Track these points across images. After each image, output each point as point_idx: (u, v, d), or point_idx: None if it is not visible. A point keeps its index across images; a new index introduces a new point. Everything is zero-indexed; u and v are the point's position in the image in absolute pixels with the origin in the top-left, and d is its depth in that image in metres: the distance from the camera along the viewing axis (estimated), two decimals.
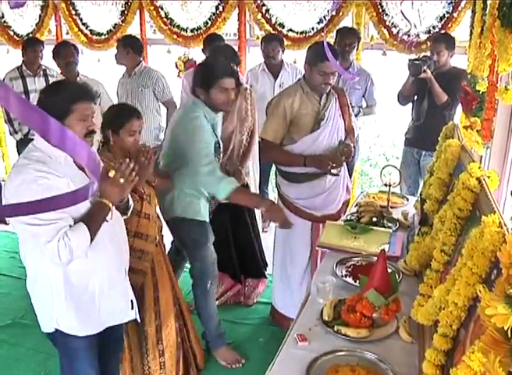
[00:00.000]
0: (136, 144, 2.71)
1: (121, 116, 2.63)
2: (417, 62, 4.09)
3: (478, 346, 1.12)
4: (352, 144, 3.34)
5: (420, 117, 4.33)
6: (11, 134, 5.21)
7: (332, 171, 3.21)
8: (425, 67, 4.06)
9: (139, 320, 2.59)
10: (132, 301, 2.47)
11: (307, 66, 3.19)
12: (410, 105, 4.50)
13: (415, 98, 4.40)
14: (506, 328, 0.94)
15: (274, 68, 4.65)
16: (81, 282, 2.23)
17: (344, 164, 3.42)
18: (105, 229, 2.22)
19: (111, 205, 2.15)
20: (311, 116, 3.25)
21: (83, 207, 2.12)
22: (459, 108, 4.31)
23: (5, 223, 5.63)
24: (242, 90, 3.69)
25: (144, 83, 4.74)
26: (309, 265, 3.51)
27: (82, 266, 2.19)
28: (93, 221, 2.12)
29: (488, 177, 1.99)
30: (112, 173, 2.12)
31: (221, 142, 3.23)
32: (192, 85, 3.11)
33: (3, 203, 2.07)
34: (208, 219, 3.24)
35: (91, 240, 2.10)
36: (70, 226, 2.06)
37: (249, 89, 3.80)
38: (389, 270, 2.30)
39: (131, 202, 2.50)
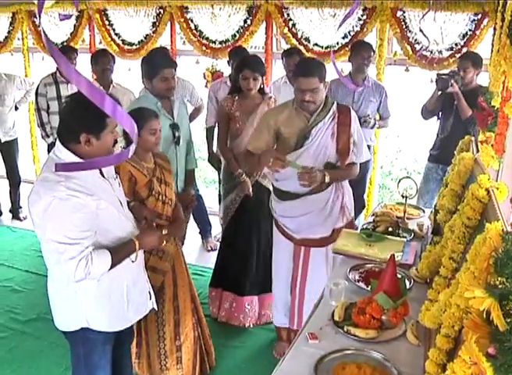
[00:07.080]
0: (158, 141, 2.87)
1: (140, 118, 2.74)
2: (444, 76, 4.17)
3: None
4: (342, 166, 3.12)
5: (444, 131, 4.39)
6: (42, 138, 5.40)
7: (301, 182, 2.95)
8: (453, 81, 4.12)
9: (156, 309, 2.68)
10: (149, 292, 2.57)
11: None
12: (435, 121, 4.53)
13: (441, 113, 4.45)
14: (481, 310, 1.03)
15: None
16: (111, 282, 2.32)
17: (346, 190, 3.27)
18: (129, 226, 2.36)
19: (138, 248, 2.28)
20: (296, 133, 3.08)
21: (111, 232, 2.24)
22: None
23: (20, 220, 5.95)
24: (266, 98, 3.84)
25: (184, 93, 4.94)
26: (288, 287, 3.40)
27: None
28: (118, 254, 2.23)
29: (497, 189, 2.07)
30: (165, 231, 2.41)
31: (178, 124, 3.50)
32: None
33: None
34: None
35: (109, 270, 2.20)
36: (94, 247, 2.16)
37: (273, 98, 3.92)
38: (399, 276, 2.39)
39: None
